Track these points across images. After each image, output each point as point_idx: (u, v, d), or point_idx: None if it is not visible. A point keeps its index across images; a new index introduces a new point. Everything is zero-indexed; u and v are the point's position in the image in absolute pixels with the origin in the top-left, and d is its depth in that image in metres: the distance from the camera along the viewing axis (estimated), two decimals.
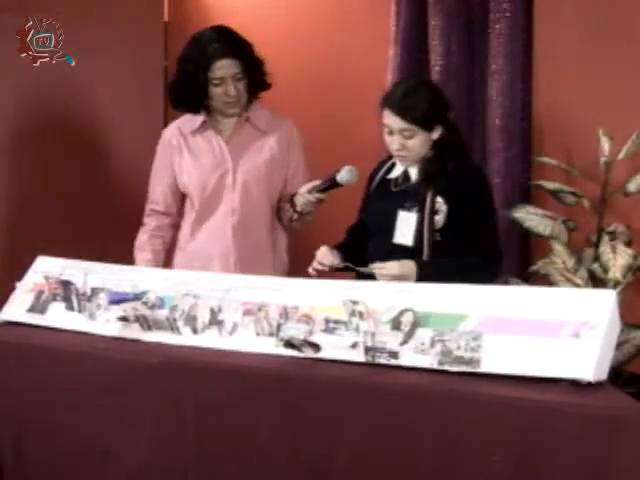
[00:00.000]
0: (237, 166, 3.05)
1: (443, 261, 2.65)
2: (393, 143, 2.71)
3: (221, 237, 3.05)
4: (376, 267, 2.61)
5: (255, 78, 3.02)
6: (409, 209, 2.72)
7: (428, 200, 2.68)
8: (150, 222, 3.17)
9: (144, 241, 3.14)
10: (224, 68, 2.94)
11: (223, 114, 3.06)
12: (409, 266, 2.60)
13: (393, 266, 2.60)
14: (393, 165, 2.83)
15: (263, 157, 3.06)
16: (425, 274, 2.56)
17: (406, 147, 2.70)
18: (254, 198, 3.05)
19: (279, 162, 3.08)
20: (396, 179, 2.80)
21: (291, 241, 3.18)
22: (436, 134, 2.71)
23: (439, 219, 2.68)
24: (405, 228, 2.72)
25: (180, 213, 3.17)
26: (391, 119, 2.69)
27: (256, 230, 3.06)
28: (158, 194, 3.15)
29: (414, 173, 2.76)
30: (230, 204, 3.04)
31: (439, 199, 2.68)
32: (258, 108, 3.10)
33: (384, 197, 2.81)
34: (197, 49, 2.97)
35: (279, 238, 3.13)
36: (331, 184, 2.84)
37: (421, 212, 2.69)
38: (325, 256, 2.71)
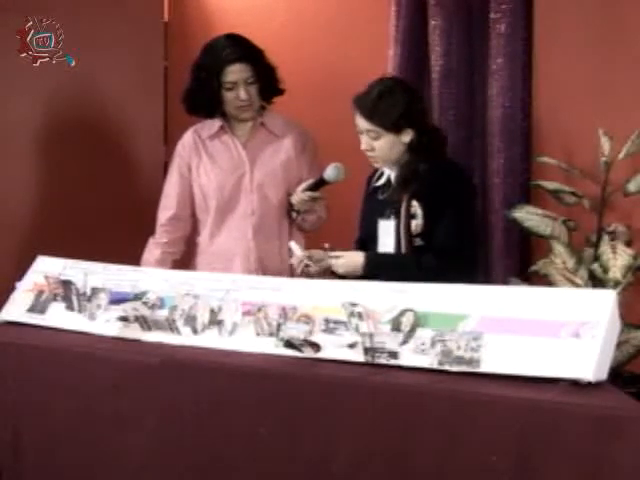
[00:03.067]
0: (254, 168, 3.12)
1: (396, 258, 2.69)
2: (362, 143, 2.74)
3: (242, 237, 3.12)
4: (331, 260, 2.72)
5: (267, 83, 3.09)
6: (387, 217, 2.74)
7: (404, 205, 2.68)
8: (163, 235, 3.20)
9: (157, 259, 3.16)
10: (236, 72, 3.02)
11: (238, 119, 3.12)
12: (355, 258, 2.70)
13: (340, 255, 2.71)
14: (382, 172, 2.84)
15: (279, 159, 3.14)
16: (373, 267, 2.65)
17: (374, 148, 2.72)
18: (271, 199, 3.12)
19: (294, 164, 3.14)
20: (382, 186, 2.82)
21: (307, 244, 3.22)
22: (407, 137, 2.71)
23: (417, 223, 2.68)
24: (385, 237, 2.75)
25: (192, 219, 3.21)
26: (358, 120, 2.71)
27: (275, 230, 3.12)
28: (175, 199, 3.18)
29: (393, 179, 2.78)
30: (249, 205, 3.11)
31: (414, 203, 2.68)
32: (272, 114, 3.18)
33: (372, 206, 2.84)
34: (210, 56, 3.06)
35: (296, 238, 3.17)
36: (319, 182, 2.93)
37: (398, 218, 2.69)
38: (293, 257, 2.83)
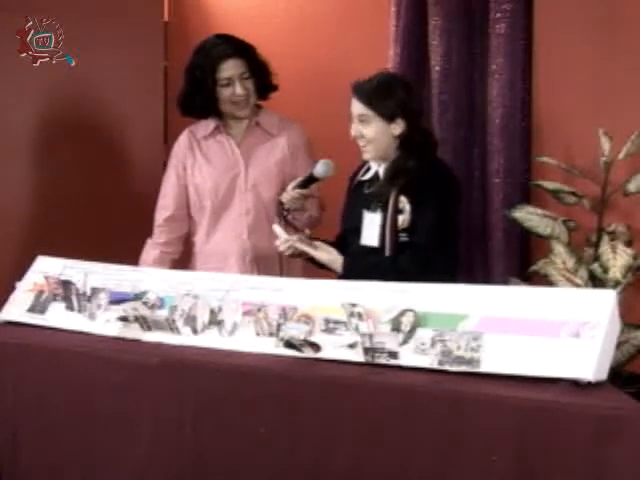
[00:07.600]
0: (249, 167, 3.13)
1: (370, 262, 2.69)
2: (352, 130, 2.75)
3: (237, 237, 3.12)
4: (311, 248, 2.72)
5: (261, 78, 3.09)
6: (374, 210, 2.74)
7: (391, 199, 2.68)
8: (160, 235, 3.21)
9: (154, 259, 3.17)
10: (231, 68, 3.03)
11: (234, 117, 3.13)
12: (335, 260, 2.71)
13: (323, 254, 2.72)
14: (369, 167, 2.84)
15: (274, 158, 3.14)
16: (350, 273, 2.65)
17: (363, 135, 2.72)
18: (266, 198, 3.12)
19: (289, 162, 3.14)
20: (369, 180, 2.82)
21: None
22: (397, 129, 2.71)
23: (405, 218, 2.68)
24: (370, 229, 2.74)
25: (189, 219, 3.21)
26: (354, 104, 2.73)
27: (270, 229, 3.09)
28: (172, 199, 3.19)
29: (382, 173, 2.78)
30: (244, 205, 3.11)
31: (403, 198, 2.68)
32: (267, 113, 3.18)
33: (357, 199, 2.84)
34: (202, 55, 3.06)
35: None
36: (309, 178, 2.91)
37: (385, 212, 2.69)
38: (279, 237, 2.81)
